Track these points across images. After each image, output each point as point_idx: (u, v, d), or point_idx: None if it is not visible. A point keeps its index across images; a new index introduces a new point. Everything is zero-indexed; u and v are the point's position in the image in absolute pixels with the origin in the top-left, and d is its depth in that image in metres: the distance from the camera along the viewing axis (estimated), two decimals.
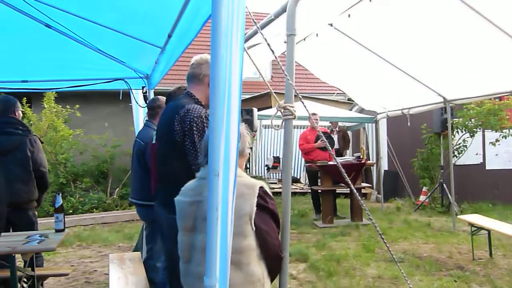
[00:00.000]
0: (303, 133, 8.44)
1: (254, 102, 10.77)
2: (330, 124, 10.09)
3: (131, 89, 4.76)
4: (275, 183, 11.95)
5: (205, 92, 2.42)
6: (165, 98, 3.51)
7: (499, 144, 8.86)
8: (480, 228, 5.26)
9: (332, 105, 11.22)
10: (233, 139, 1.32)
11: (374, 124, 9.71)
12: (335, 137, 9.55)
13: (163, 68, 3.76)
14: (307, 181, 10.31)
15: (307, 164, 8.37)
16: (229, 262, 1.38)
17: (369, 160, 10.04)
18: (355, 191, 2.18)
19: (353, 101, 10.20)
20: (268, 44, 1.85)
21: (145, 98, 4.62)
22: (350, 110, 11.44)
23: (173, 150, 2.36)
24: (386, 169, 10.27)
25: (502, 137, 8.69)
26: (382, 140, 9.98)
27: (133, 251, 4.68)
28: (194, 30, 2.41)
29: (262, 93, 11.28)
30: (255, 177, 10.06)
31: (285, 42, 2.00)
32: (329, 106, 10.68)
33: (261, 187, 1.95)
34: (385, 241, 2.21)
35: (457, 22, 4.39)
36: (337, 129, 9.59)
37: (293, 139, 10.41)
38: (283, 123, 2.08)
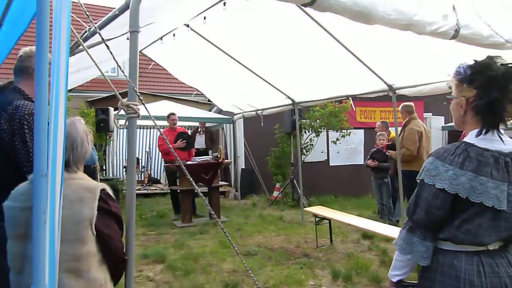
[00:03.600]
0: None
1: (110, 101, 10.27)
2: (198, 124, 10.18)
3: None
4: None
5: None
6: None
7: (339, 143, 9.98)
8: (323, 218, 5.87)
9: (192, 105, 11.32)
10: (60, 137, 1.25)
11: (231, 125, 10.08)
12: (202, 137, 9.61)
13: None
14: (167, 181, 10.21)
15: (166, 164, 8.29)
16: (57, 268, 1.31)
17: (227, 159, 10.38)
18: (199, 191, 2.24)
19: (212, 102, 10.44)
20: (103, 40, 1.79)
21: None
22: (210, 110, 11.68)
23: (0, 151, 2.13)
24: (243, 167, 10.74)
25: (342, 136, 9.80)
26: (239, 140, 10.41)
27: None
28: (25, 20, 2.21)
29: (121, 92, 10.78)
30: (111, 180, 9.48)
31: (127, 39, 1.96)
32: (189, 106, 10.74)
33: (102, 190, 1.88)
34: (229, 238, 2.32)
35: (303, 33, 4.82)
36: (204, 129, 9.67)
37: (153, 140, 10.16)
38: (126, 122, 2.03)
